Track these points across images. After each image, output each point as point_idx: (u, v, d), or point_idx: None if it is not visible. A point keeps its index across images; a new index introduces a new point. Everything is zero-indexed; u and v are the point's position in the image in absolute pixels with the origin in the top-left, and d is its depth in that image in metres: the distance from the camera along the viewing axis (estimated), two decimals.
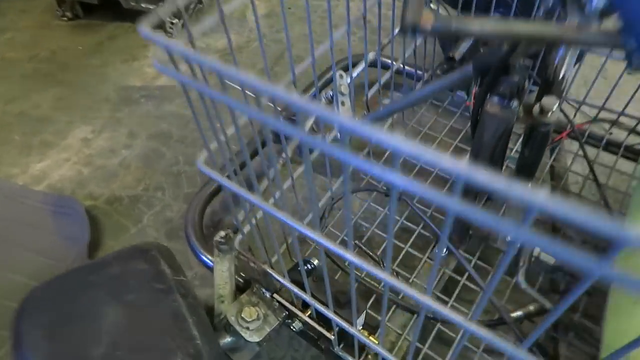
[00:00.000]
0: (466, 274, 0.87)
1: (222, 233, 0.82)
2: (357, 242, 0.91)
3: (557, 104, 0.71)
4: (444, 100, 1.19)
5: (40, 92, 1.40)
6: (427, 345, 0.80)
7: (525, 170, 0.86)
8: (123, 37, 1.59)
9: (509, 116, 0.68)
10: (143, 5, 1.52)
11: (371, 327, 0.75)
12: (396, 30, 0.99)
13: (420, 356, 0.79)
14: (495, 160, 0.77)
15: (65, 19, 1.63)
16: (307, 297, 0.65)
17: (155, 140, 1.27)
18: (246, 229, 0.73)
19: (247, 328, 0.71)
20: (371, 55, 0.98)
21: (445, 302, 0.85)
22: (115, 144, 1.26)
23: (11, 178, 1.18)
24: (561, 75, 0.74)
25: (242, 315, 0.71)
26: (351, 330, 0.60)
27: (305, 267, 0.76)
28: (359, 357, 0.76)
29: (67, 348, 0.54)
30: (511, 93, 0.66)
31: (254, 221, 0.76)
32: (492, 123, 0.70)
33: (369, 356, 0.79)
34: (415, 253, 0.91)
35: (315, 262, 0.74)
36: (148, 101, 1.37)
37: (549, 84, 0.74)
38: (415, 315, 0.83)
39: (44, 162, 1.22)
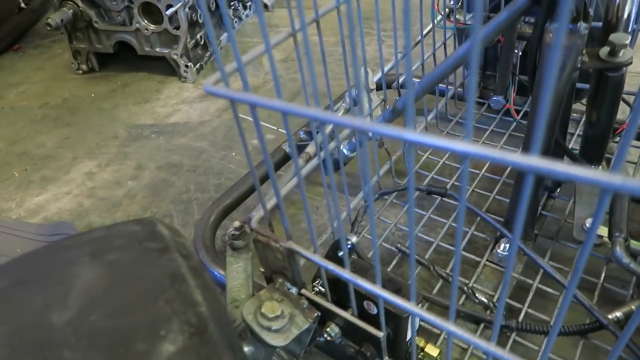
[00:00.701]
0: (538, 277, 0.70)
1: (237, 224, 0.68)
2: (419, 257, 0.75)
3: (628, 39, 0.60)
4: (479, 108, 1.08)
5: (47, 134, 1.33)
6: None
7: (596, 141, 0.73)
8: (136, 84, 1.56)
9: (576, 42, 0.56)
10: (158, 49, 1.50)
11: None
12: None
13: None
14: (563, 114, 0.64)
15: (80, 72, 1.62)
16: (348, 275, 0.49)
17: (165, 171, 1.16)
18: (270, 204, 0.59)
19: (269, 329, 0.54)
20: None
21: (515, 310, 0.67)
22: (121, 177, 1.15)
23: (4, 212, 1.06)
24: (625, 14, 0.63)
25: (263, 310, 0.55)
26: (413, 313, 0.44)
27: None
28: None
29: (20, 315, 0.39)
30: (576, 13, 0.55)
31: (283, 191, 0.62)
32: (556, 55, 0.58)
33: None
34: (471, 256, 0.75)
35: (354, 239, 0.59)
36: (159, 136, 1.29)
37: (612, 25, 0.64)
38: (482, 325, 0.65)
39: (42, 196, 1.11)
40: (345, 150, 0.99)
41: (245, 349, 0.56)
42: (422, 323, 0.66)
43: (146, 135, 1.30)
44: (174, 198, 1.07)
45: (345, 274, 0.49)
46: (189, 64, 1.50)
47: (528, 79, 0.64)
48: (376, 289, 0.47)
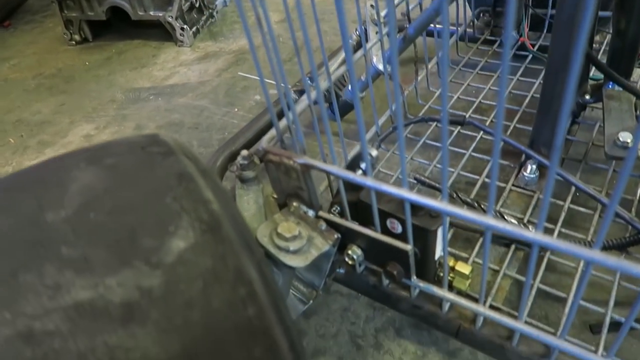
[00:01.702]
0: (569, 196, 0.66)
1: (245, 153, 0.64)
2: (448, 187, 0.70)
3: None
4: (492, 43, 1.03)
5: (42, 102, 1.29)
6: (538, 280, 0.57)
7: (625, 53, 0.68)
8: (131, 52, 1.51)
9: None
10: (152, 12, 1.44)
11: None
12: None
13: (533, 294, 0.56)
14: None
15: (73, 42, 1.57)
16: (371, 182, 0.45)
17: (166, 129, 1.11)
18: (281, 123, 0.55)
19: (287, 249, 0.50)
20: None
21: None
22: (120, 136, 1.11)
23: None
24: None
25: (279, 231, 0.51)
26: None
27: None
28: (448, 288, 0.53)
29: (11, 217, 0.35)
30: None
31: (298, 107, 0.57)
32: None
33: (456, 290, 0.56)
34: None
35: (374, 152, 0.54)
36: (158, 98, 1.24)
37: None
38: (514, 246, 0.61)
39: (40, 160, 1.06)
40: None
41: None
42: (449, 249, 0.61)
43: (144, 98, 1.25)
44: None
45: (368, 181, 0.45)
46: (185, 26, 1.45)
47: None
48: (403, 192, 0.42)
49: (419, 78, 0.89)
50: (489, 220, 0.40)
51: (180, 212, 0.36)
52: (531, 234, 0.37)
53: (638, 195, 0.65)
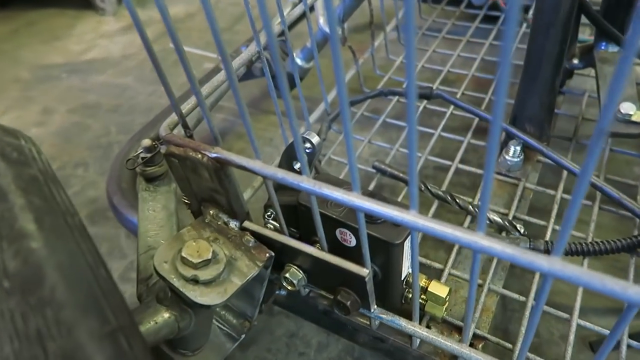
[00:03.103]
0: (561, 185, 0.54)
1: (146, 142, 0.48)
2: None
3: None
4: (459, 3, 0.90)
5: None
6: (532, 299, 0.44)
7: (622, 5, 0.55)
8: (44, 22, 1.29)
9: None
10: None
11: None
12: None
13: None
14: None
15: None
16: (307, 183, 0.30)
17: (79, 113, 0.93)
18: (190, 102, 0.40)
19: (194, 280, 0.35)
20: None
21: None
22: (23, 124, 0.92)
23: None
24: None
25: (183, 254, 0.36)
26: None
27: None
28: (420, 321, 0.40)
29: None
30: None
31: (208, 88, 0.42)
32: None
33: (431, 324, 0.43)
34: (471, 169, 0.57)
35: (314, 139, 0.40)
36: (71, 76, 1.05)
37: None
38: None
39: None
40: (299, 61, 0.79)
41: (166, 315, 0.37)
42: (421, 259, 0.48)
43: (56, 76, 1.05)
44: (91, 143, 0.85)
45: (304, 182, 0.30)
46: None
47: None
48: (353, 199, 0.28)
49: (376, 45, 0.75)
50: (480, 240, 0.26)
51: None
52: (546, 261, 0.24)
53: None
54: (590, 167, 0.19)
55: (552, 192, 0.53)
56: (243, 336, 0.45)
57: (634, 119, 0.51)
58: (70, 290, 0.21)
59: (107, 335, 0.21)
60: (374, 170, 0.57)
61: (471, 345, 0.41)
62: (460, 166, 0.57)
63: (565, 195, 0.53)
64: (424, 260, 0.49)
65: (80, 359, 0.20)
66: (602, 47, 0.60)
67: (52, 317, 0.20)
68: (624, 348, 0.38)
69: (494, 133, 0.20)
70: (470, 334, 0.42)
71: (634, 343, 0.39)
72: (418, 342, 0.41)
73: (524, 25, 0.79)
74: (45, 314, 0.20)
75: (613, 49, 0.60)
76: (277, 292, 0.48)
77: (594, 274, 0.23)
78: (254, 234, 0.39)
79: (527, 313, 0.43)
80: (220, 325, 0.46)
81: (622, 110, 0.51)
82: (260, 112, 0.88)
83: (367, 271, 0.34)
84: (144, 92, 0.97)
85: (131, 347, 0.21)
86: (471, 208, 0.51)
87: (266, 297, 0.47)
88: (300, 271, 0.40)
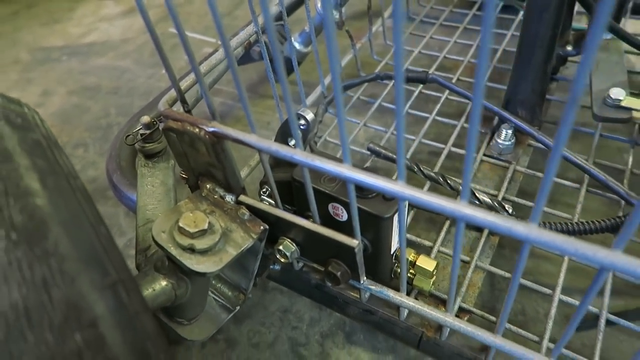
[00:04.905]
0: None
1: (145, 119, 0.49)
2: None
3: None
4: None
5: None
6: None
7: None
8: (44, 5, 1.29)
9: None
10: None
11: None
12: None
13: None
14: None
15: None
16: (301, 155, 0.32)
17: (78, 95, 0.94)
18: (188, 78, 0.41)
19: (191, 248, 0.36)
20: None
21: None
22: None
23: None
24: None
25: (180, 224, 0.37)
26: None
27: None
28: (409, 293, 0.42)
29: None
30: None
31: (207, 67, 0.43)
32: None
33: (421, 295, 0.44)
34: (464, 152, 0.58)
35: (309, 115, 0.41)
36: (71, 58, 1.06)
37: None
38: (486, 232, 0.50)
39: None
40: (297, 45, 0.79)
41: (163, 283, 0.39)
42: (409, 235, 0.50)
43: (55, 58, 1.06)
44: (90, 124, 0.86)
45: (297, 154, 0.31)
46: None
47: None
48: (344, 170, 0.30)
49: (373, 30, 0.76)
50: (463, 209, 0.27)
51: None
52: (524, 227, 0.25)
53: (630, 164, 0.55)
54: (564, 134, 0.21)
55: (542, 175, 0.54)
56: (238, 308, 0.47)
57: (623, 104, 0.52)
58: (73, 244, 0.23)
59: (107, 286, 0.22)
60: (369, 153, 0.58)
61: (457, 317, 0.43)
62: (454, 149, 0.59)
63: (556, 179, 0.54)
64: (414, 238, 0.50)
65: (83, 306, 0.21)
66: None
67: (56, 267, 0.21)
68: (602, 321, 0.39)
69: (474, 110, 0.22)
70: (457, 306, 0.43)
71: (613, 317, 0.40)
72: (406, 313, 0.43)
73: (520, 13, 0.80)
74: (50, 263, 0.21)
75: (606, 36, 0.61)
76: (271, 266, 0.50)
77: (568, 239, 0.24)
78: (249, 207, 0.40)
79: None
80: (215, 297, 0.47)
81: (612, 96, 0.52)
82: (257, 97, 0.89)
83: (357, 242, 0.36)
84: (143, 75, 0.98)
85: (130, 299, 0.23)
86: (461, 189, 0.52)
87: (260, 271, 0.48)
88: (294, 244, 0.42)
